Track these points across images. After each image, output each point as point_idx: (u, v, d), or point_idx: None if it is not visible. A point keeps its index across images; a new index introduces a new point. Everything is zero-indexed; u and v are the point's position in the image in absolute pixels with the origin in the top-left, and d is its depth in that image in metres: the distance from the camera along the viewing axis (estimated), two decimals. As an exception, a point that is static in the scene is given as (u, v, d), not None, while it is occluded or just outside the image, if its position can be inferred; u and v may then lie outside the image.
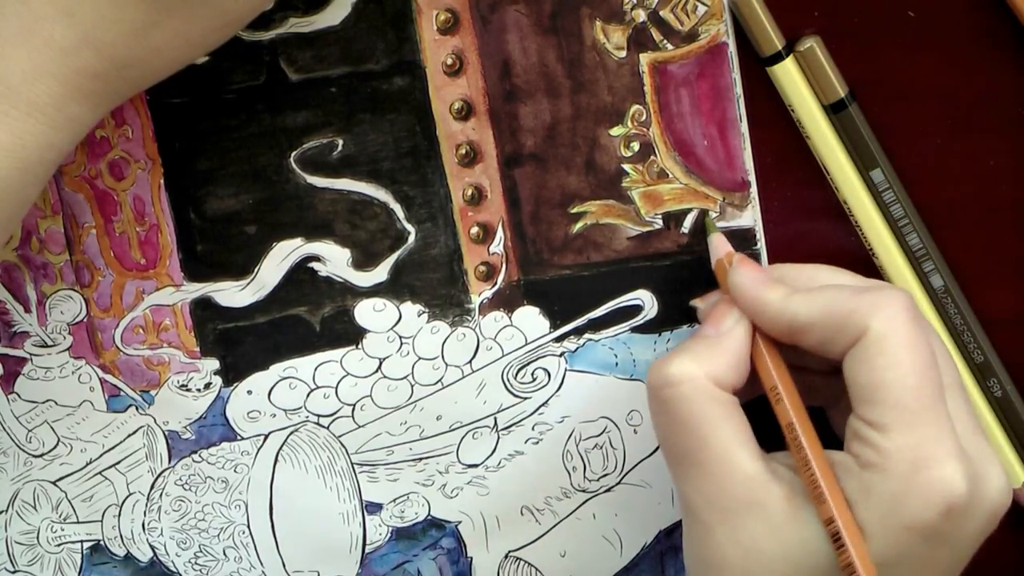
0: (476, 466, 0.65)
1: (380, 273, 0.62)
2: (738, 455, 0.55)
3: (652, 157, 0.61)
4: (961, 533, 0.54)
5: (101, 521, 0.66)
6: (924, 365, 0.53)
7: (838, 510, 0.53)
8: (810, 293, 0.56)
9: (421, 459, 0.65)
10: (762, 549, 0.54)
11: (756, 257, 0.62)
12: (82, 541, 0.66)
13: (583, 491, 0.65)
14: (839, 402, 0.59)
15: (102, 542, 0.66)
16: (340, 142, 0.61)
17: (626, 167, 0.61)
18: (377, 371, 0.63)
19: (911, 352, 0.53)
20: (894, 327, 0.54)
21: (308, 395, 0.64)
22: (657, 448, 0.65)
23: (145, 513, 0.65)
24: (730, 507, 0.54)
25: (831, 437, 0.58)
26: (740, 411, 0.55)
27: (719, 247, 0.61)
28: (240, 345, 0.63)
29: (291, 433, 0.64)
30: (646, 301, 0.63)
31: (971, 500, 0.53)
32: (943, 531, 0.53)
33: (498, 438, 0.64)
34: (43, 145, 0.53)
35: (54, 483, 0.65)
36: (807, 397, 0.57)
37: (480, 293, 0.63)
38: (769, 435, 0.56)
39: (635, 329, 0.63)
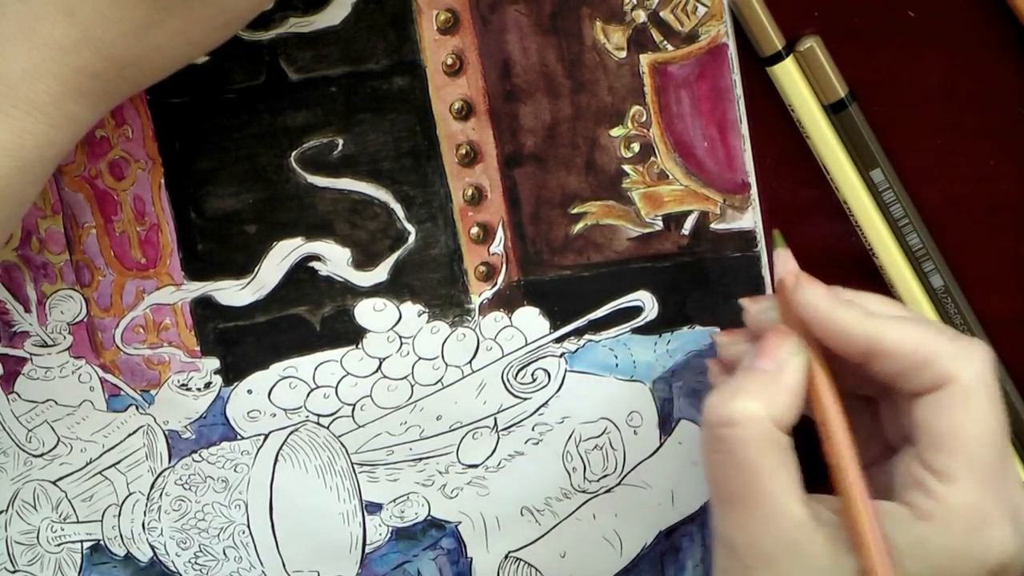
0: (476, 466, 0.65)
1: (380, 273, 0.62)
2: (788, 501, 0.54)
3: (652, 158, 0.61)
4: None
5: (101, 521, 0.66)
6: (1000, 425, 0.53)
7: (882, 563, 0.52)
8: (898, 320, 0.55)
9: (421, 459, 0.65)
10: None
11: (756, 259, 0.62)
12: (82, 541, 0.66)
13: (583, 492, 0.65)
14: (855, 432, 0.59)
15: (102, 542, 0.66)
16: (340, 142, 0.61)
17: (626, 168, 0.61)
18: (377, 371, 0.63)
19: (992, 410, 0.53)
20: (983, 382, 0.53)
21: (308, 395, 0.64)
22: (657, 449, 0.65)
23: (145, 513, 0.65)
24: (774, 552, 0.54)
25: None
26: (793, 455, 0.55)
27: (785, 263, 0.58)
28: (240, 345, 0.63)
29: (291, 433, 0.64)
30: (646, 302, 0.63)
31: (1016, 557, 0.53)
32: None
33: (498, 438, 0.64)
34: (42, 144, 0.53)
35: (54, 483, 0.65)
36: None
37: (480, 293, 0.63)
38: (810, 462, 0.56)
39: (635, 330, 0.63)
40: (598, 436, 0.65)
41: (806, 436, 0.56)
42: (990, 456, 0.53)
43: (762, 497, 0.54)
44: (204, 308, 0.63)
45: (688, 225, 0.62)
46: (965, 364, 0.53)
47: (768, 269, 0.62)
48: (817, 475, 0.56)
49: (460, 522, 0.65)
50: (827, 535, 0.54)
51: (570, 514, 0.65)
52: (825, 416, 0.55)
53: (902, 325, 0.55)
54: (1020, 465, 0.64)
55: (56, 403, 0.64)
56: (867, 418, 0.59)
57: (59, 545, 0.66)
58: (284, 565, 0.65)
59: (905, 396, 0.55)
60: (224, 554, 0.66)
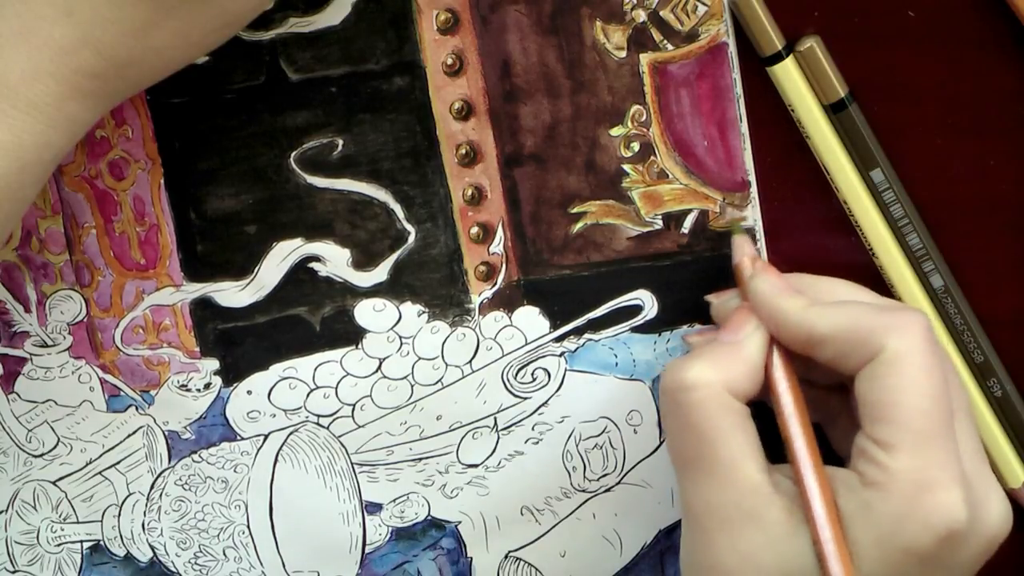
0: (476, 466, 0.65)
1: (380, 273, 0.62)
2: (744, 466, 0.55)
3: (652, 157, 0.61)
4: (958, 559, 0.54)
5: (101, 521, 0.66)
6: (937, 389, 0.54)
7: (826, 528, 0.53)
8: (830, 306, 0.56)
9: (421, 459, 0.65)
10: (759, 560, 0.54)
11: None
12: (82, 541, 0.66)
13: (583, 491, 0.65)
14: (837, 420, 0.60)
15: (102, 542, 0.66)
16: (340, 142, 0.61)
17: (626, 167, 0.61)
18: (377, 371, 0.63)
19: (926, 375, 0.54)
20: (911, 348, 0.54)
21: (308, 395, 0.64)
22: (657, 448, 0.65)
23: (145, 513, 0.65)
24: (731, 516, 0.55)
25: (831, 454, 0.58)
26: (751, 421, 0.55)
27: (742, 248, 0.61)
28: (240, 345, 0.63)
29: (291, 433, 0.64)
30: (646, 301, 0.63)
31: (971, 527, 0.53)
32: (940, 556, 0.53)
33: (498, 438, 0.64)
34: (41, 144, 0.53)
35: (54, 483, 0.65)
36: (808, 412, 0.57)
37: (480, 293, 0.63)
38: (780, 443, 0.56)
39: (635, 329, 0.63)
40: (598, 435, 0.65)
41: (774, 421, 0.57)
42: (927, 421, 0.53)
43: (717, 461, 0.55)
44: (204, 309, 0.63)
45: (688, 224, 0.62)
46: (893, 333, 0.54)
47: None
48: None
49: (460, 522, 0.65)
50: (784, 501, 0.54)
51: (570, 513, 0.65)
52: (776, 388, 0.56)
53: (836, 309, 0.56)
54: (1019, 464, 0.64)
55: (56, 403, 0.64)
56: (845, 410, 0.59)
57: (59, 545, 0.66)
58: (284, 565, 0.65)
59: (850, 377, 0.55)
60: (224, 554, 0.66)
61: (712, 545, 0.55)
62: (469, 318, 0.63)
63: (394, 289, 0.63)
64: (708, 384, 0.55)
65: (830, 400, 0.59)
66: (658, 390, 0.58)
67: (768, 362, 0.57)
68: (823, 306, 0.56)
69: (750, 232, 0.62)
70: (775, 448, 0.56)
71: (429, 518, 0.65)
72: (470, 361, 0.64)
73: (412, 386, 0.64)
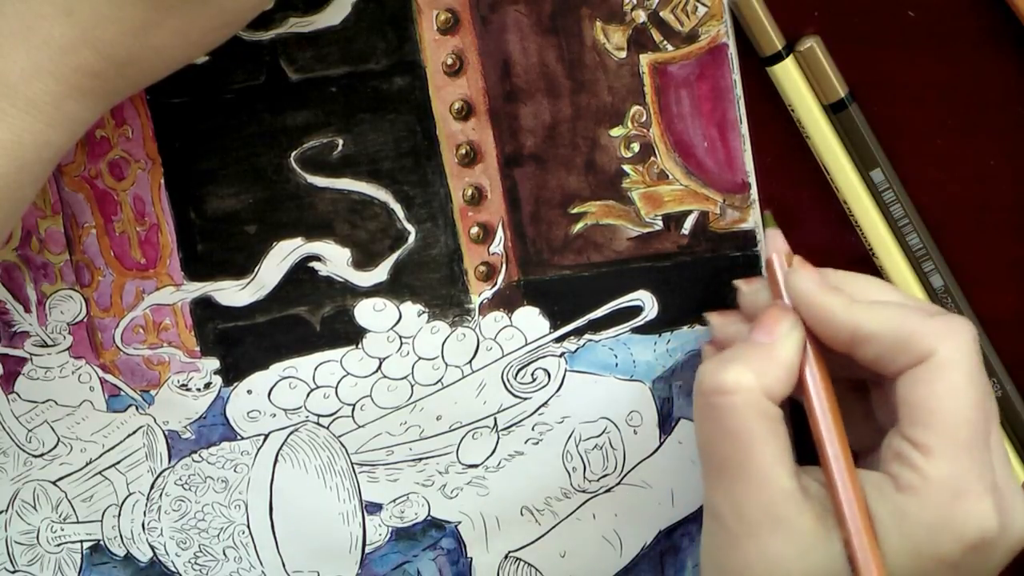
0: (476, 466, 0.65)
1: (380, 273, 0.62)
2: (777, 472, 0.54)
3: (652, 158, 0.61)
4: (985, 565, 0.54)
5: (101, 521, 0.66)
6: (981, 398, 0.54)
7: (860, 535, 0.53)
8: (877, 306, 0.56)
9: (421, 459, 0.65)
10: (789, 566, 0.54)
11: (756, 258, 0.62)
12: (82, 541, 0.66)
13: (583, 491, 0.65)
14: (851, 416, 0.59)
15: (102, 542, 0.66)
16: (340, 142, 0.61)
17: (626, 168, 0.61)
18: (377, 371, 0.63)
19: (972, 383, 0.54)
20: (961, 357, 0.54)
21: (308, 395, 0.64)
22: (657, 448, 0.65)
23: (145, 513, 0.65)
24: (761, 522, 0.54)
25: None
26: (784, 426, 0.55)
27: (774, 242, 0.60)
28: (240, 345, 0.63)
29: (291, 433, 0.64)
30: (646, 302, 0.63)
31: (1000, 534, 0.53)
32: (969, 563, 0.53)
33: (498, 438, 0.64)
34: (41, 143, 0.53)
35: (54, 483, 0.65)
36: None
37: (480, 293, 0.63)
38: (809, 442, 0.56)
39: (635, 330, 0.63)
40: (598, 436, 0.65)
41: (803, 417, 0.57)
42: (969, 430, 0.53)
43: (750, 466, 0.54)
44: (204, 308, 0.63)
45: (688, 225, 0.62)
46: (943, 340, 0.54)
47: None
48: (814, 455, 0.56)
49: (460, 522, 0.65)
50: (814, 508, 0.54)
51: (570, 514, 0.65)
52: (810, 390, 0.56)
53: (883, 310, 0.56)
54: (1020, 466, 0.63)
55: (56, 403, 0.64)
56: (860, 405, 0.60)
57: (59, 545, 0.66)
58: (284, 565, 0.65)
59: (890, 378, 0.55)
60: (224, 554, 0.66)
61: (739, 549, 0.55)
62: (469, 318, 0.63)
63: (394, 289, 0.63)
64: (746, 389, 0.55)
65: (847, 397, 0.59)
66: (693, 390, 0.57)
67: (802, 362, 0.57)
68: (869, 305, 0.56)
69: (750, 233, 0.62)
70: (803, 446, 0.56)
71: (429, 518, 0.65)
72: (470, 361, 0.64)
73: (412, 386, 0.64)
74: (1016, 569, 0.64)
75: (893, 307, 0.56)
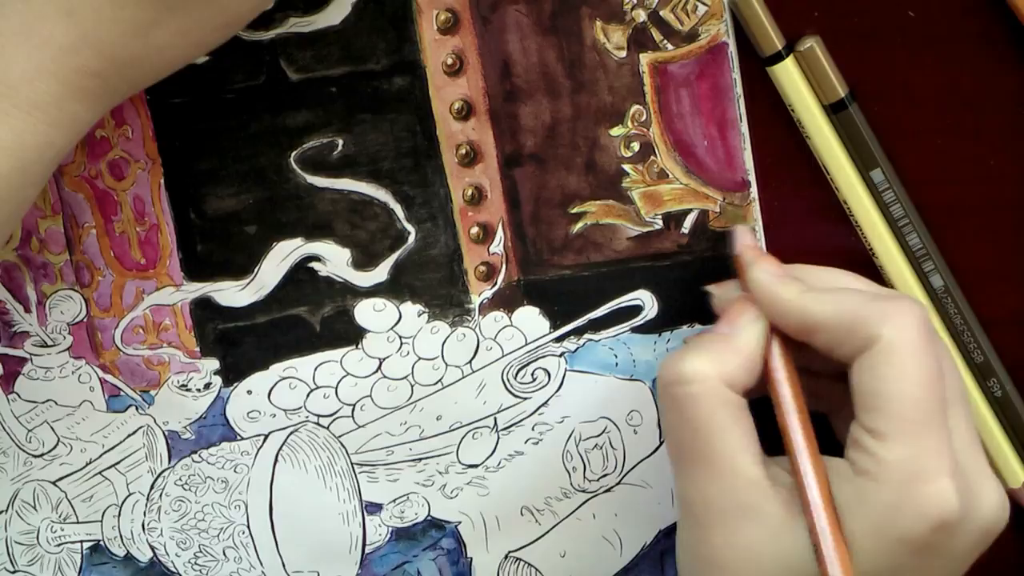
0: (476, 466, 0.65)
1: (380, 273, 0.62)
2: (741, 460, 0.55)
3: (652, 157, 0.61)
4: (953, 548, 0.54)
5: (101, 521, 0.66)
6: (929, 378, 0.54)
7: (824, 518, 0.53)
8: (825, 293, 0.56)
9: (421, 459, 0.65)
10: (758, 554, 0.54)
11: (756, 257, 0.62)
12: (82, 541, 0.66)
13: (583, 491, 0.65)
14: (842, 409, 0.59)
15: (102, 542, 0.66)
16: (340, 142, 0.61)
17: (626, 167, 0.61)
18: (377, 371, 0.63)
19: (918, 364, 0.54)
20: (904, 338, 0.54)
21: (308, 395, 0.64)
22: (657, 448, 0.65)
23: (145, 513, 0.65)
24: (729, 510, 0.55)
25: (835, 444, 0.58)
26: (748, 414, 0.56)
27: (742, 238, 0.61)
28: (240, 345, 0.63)
29: (291, 433, 0.64)
30: (646, 301, 0.63)
31: (964, 516, 0.53)
32: (934, 545, 0.53)
33: (498, 438, 0.64)
34: (43, 144, 0.53)
35: (54, 483, 0.65)
36: (812, 402, 0.57)
37: (480, 293, 0.63)
38: (777, 435, 0.56)
39: (635, 329, 0.63)
40: (598, 435, 0.65)
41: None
42: (921, 412, 0.53)
43: (713, 455, 0.55)
44: (204, 309, 0.63)
45: (688, 224, 0.62)
46: (887, 322, 0.54)
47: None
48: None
49: (460, 522, 0.65)
50: (782, 495, 0.55)
51: (570, 514, 0.65)
52: (774, 378, 0.56)
53: (831, 296, 0.56)
54: (1019, 463, 0.64)
55: (56, 403, 0.64)
56: (845, 399, 0.59)
57: (59, 545, 0.66)
58: (284, 565, 0.65)
59: (847, 365, 0.55)
60: (224, 554, 0.66)
61: (709, 539, 0.55)
62: (469, 318, 0.63)
63: (394, 289, 0.63)
64: (704, 378, 0.55)
65: (834, 389, 0.59)
66: (656, 383, 0.58)
67: (767, 353, 0.57)
68: (819, 292, 0.56)
69: (739, 225, 0.62)
70: (774, 441, 0.56)
71: (429, 518, 0.65)
72: (470, 361, 0.64)
73: (412, 386, 0.64)
74: (1017, 567, 0.64)
75: (842, 293, 0.56)
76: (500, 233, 0.62)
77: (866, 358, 0.54)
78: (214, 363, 0.63)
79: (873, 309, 0.55)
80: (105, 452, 0.65)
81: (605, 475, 0.65)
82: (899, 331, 0.54)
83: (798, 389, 0.56)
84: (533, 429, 0.64)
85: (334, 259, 0.62)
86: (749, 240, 0.60)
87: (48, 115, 0.52)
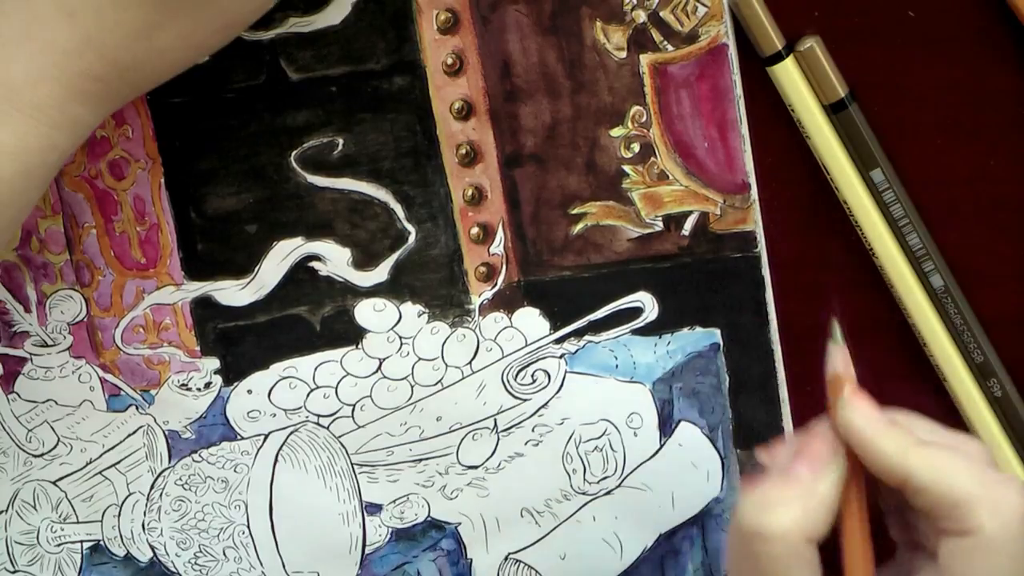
0: (476, 467, 0.65)
1: (380, 273, 0.62)
2: None
3: (652, 158, 0.61)
4: None
5: (101, 521, 0.66)
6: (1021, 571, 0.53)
7: None
8: (931, 457, 0.54)
9: (421, 460, 0.65)
10: None
11: (756, 259, 0.62)
12: (82, 541, 0.66)
13: (583, 493, 0.65)
14: (892, 507, 0.58)
15: (102, 542, 0.66)
16: (340, 141, 0.61)
17: (626, 168, 0.61)
18: (377, 371, 0.63)
19: (1011, 558, 0.52)
20: (1008, 534, 0.52)
21: (308, 395, 0.64)
22: (657, 451, 0.65)
23: (145, 513, 0.65)
24: None
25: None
26: (819, 568, 0.54)
27: (835, 362, 0.56)
28: (240, 345, 0.63)
29: (291, 433, 0.64)
30: (646, 303, 0.63)
31: None
32: None
33: (498, 439, 0.64)
34: (46, 147, 0.53)
35: (54, 483, 0.65)
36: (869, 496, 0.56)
37: (480, 294, 0.63)
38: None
39: (635, 331, 0.63)
40: (598, 437, 0.64)
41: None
42: None
43: None
44: (204, 308, 0.63)
45: (688, 226, 0.62)
46: (992, 514, 0.52)
47: (768, 270, 0.62)
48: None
49: (460, 523, 0.65)
50: None
51: (570, 516, 0.65)
52: (848, 532, 0.55)
53: (939, 462, 0.54)
54: (1019, 463, 0.63)
55: (56, 403, 0.64)
56: (901, 502, 0.58)
57: (59, 545, 0.66)
58: (284, 566, 0.65)
59: (935, 531, 0.54)
60: (224, 554, 0.66)
61: None
62: (469, 319, 0.63)
63: (394, 289, 0.63)
64: (787, 537, 0.53)
65: (892, 490, 0.57)
66: (729, 522, 0.55)
67: (844, 499, 0.55)
68: (924, 454, 0.54)
69: (750, 235, 0.61)
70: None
71: (429, 519, 0.65)
72: (470, 362, 0.64)
73: (412, 387, 0.64)
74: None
75: (951, 460, 0.54)
76: (500, 234, 0.62)
77: (962, 544, 0.52)
78: (214, 362, 0.64)
79: (981, 493, 0.52)
80: (105, 452, 0.65)
81: (605, 477, 0.65)
82: (1002, 528, 0.52)
83: (868, 542, 0.55)
84: (533, 431, 0.64)
85: (334, 259, 0.62)
86: (843, 367, 0.56)
87: (50, 118, 0.53)
